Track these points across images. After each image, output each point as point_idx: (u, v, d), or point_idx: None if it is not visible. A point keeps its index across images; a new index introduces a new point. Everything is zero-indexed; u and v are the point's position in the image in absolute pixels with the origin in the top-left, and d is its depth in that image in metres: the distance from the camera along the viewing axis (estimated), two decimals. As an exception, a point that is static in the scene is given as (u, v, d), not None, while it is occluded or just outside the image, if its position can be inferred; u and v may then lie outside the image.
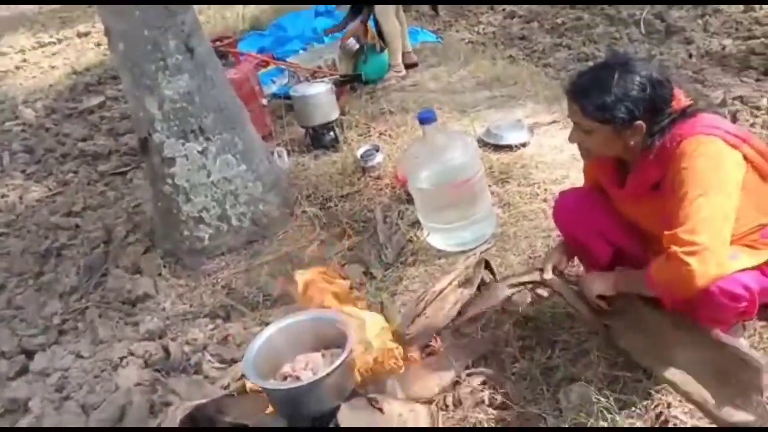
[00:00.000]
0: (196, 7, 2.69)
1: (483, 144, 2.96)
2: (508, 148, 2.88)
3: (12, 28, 8.32)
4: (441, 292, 2.07)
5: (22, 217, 3.61)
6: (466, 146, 2.30)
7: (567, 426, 1.60)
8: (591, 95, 1.50)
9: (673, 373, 1.56)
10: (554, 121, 3.04)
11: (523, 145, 2.87)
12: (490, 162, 2.77)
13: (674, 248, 1.40)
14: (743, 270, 1.49)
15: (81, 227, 3.31)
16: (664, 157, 1.51)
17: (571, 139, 1.63)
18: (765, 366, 1.47)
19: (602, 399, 1.60)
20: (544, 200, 2.47)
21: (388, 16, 3.86)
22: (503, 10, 5.05)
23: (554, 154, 2.75)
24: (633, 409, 1.60)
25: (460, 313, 2.00)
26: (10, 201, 3.85)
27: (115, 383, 2.16)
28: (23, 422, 2.09)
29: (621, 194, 1.70)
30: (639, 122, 1.49)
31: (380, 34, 3.99)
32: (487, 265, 2.11)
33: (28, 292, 2.88)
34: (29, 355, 2.45)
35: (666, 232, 1.43)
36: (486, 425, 1.71)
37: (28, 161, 4.37)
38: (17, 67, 6.80)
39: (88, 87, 5.61)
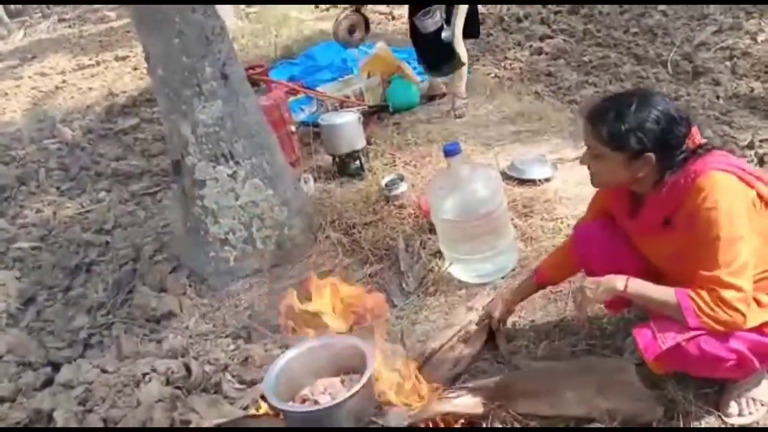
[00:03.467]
0: (230, 35, 2.80)
1: (507, 178, 2.99)
2: (532, 182, 2.91)
3: (53, 51, 8.66)
4: (440, 347, 2.07)
5: (55, 232, 3.71)
6: (489, 179, 2.33)
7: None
8: (606, 120, 1.53)
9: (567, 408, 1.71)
10: (578, 158, 3.03)
11: (547, 180, 2.89)
12: (513, 196, 2.79)
13: (723, 292, 1.42)
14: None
15: (111, 244, 3.39)
16: (678, 192, 1.53)
17: (581, 162, 1.68)
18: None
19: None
20: (567, 235, 2.47)
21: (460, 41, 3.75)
22: (530, 46, 5.12)
23: (578, 189, 2.77)
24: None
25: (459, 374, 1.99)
26: (45, 216, 3.97)
27: (137, 399, 2.20)
28: (47, 433, 2.14)
29: (631, 226, 1.71)
30: (649, 154, 1.51)
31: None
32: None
33: (57, 305, 2.96)
34: (55, 367, 2.51)
35: (704, 273, 1.45)
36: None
37: (63, 178, 4.51)
38: (57, 88, 7.05)
39: (124, 109, 5.79)
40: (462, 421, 1.83)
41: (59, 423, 2.15)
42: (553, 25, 5.43)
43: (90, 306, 2.85)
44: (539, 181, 2.88)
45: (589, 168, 1.67)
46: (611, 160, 1.56)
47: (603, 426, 1.64)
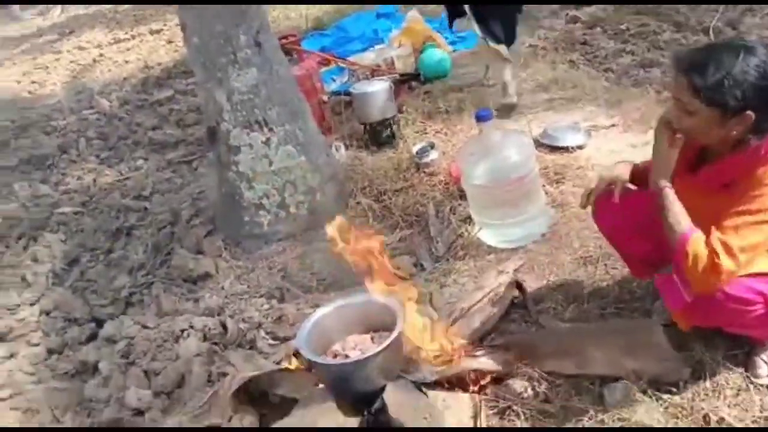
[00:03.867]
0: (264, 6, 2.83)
1: (539, 145, 2.98)
2: (565, 149, 2.89)
3: (90, 26, 8.83)
4: (470, 308, 2.10)
5: (95, 198, 3.84)
6: (521, 145, 2.33)
7: (610, 425, 1.62)
8: (706, 72, 1.36)
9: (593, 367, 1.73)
10: (613, 125, 3.02)
11: (580, 147, 2.87)
12: (545, 163, 2.78)
13: (722, 260, 1.37)
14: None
15: (149, 209, 3.50)
16: (754, 160, 1.42)
17: (668, 116, 1.51)
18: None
19: (646, 398, 1.61)
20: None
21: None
22: (566, 15, 5.01)
23: (611, 157, 2.74)
24: (679, 409, 1.60)
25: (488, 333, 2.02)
26: (85, 183, 4.11)
27: (176, 353, 2.30)
28: (92, 382, 2.25)
29: (689, 180, 1.59)
30: (749, 113, 1.38)
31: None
32: (519, 286, 2.13)
33: (99, 266, 3.08)
34: (99, 323, 2.63)
35: (717, 232, 1.40)
36: (527, 417, 1.74)
37: (102, 147, 4.65)
38: (95, 61, 7.21)
39: (159, 81, 5.89)
40: (488, 377, 1.87)
41: (104, 373, 2.27)
42: (591, -7, 5.28)
43: (131, 267, 2.96)
44: (572, 148, 2.86)
45: (676, 123, 1.49)
46: (706, 116, 1.40)
47: (628, 383, 1.66)
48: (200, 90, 2.80)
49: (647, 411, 1.60)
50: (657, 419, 1.59)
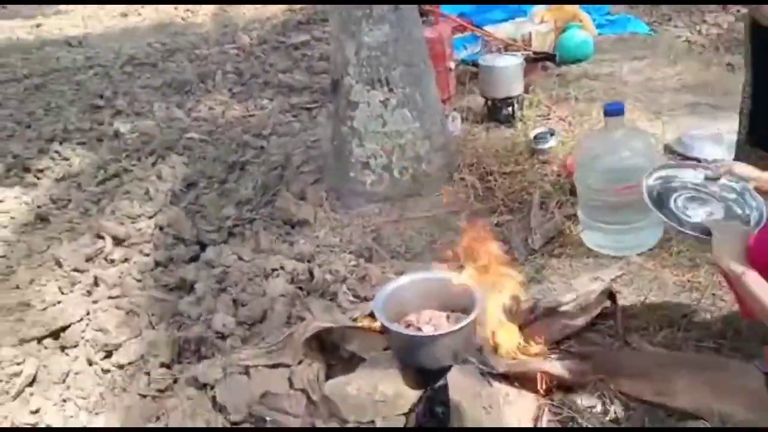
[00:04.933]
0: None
1: (670, 152, 2.74)
2: (698, 161, 2.63)
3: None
4: (555, 309, 1.99)
5: (220, 129, 4.08)
6: (647, 148, 2.16)
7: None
8: None
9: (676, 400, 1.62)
10: (761, 143, 2.70)
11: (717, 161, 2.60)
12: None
13: None
14: None
15: (265, 149, 3.67)
16: None
17: None
18: None
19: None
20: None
21: None
22: (737, 11, 4.50)
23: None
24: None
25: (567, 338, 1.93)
26: (215, 114, 4.37)
27: (264, 289, 2.42)
28: (187, 299, 2.44)
29: None
30: None
31: None
32: (612, 297, 2.00)
33: (212, 194, 3.29)
34: (202, 246, 2.82)
35: None
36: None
37: (235, 82, 4.89)
38: (240, -5, 7.52)
39: (299, 24, 6.06)
40: (558, 383, 1.80)
41: (198, 293, 2.45)
42: (770, -11, 4.69)
43: (239, 200, 3.13)
44: (706, 161, 2.60)
45: None
46: None
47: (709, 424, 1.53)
48: (332, 41, 2.84)
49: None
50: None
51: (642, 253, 2.25)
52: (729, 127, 2.94)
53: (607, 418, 1.68)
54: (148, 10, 7.59)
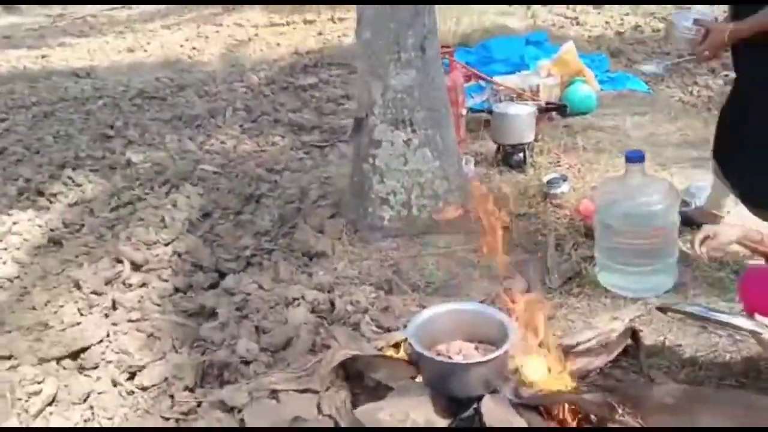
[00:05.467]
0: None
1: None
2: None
3: (250, 6, 9.48)
4: (576, 345, 2.07)
5: (233, 163, 4.15)
6: (668, 194, 2.27)
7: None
8: None
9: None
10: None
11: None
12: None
13: None
14: None
15: (279, 183, 3.74)
16: None
17: None
18: None
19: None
20: (735, 272, 2.35)
21: None
22: (725, 75, 4.78)
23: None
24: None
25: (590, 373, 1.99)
26: (227, 148, 4.45)
27: (286, 317, 2.45)
28: (209, 325, 2.45)
29: None
30: None
31: None
32: (635, 335, 2.07)
33: (228, 225, 3.32)
34: (221, 274, 2.85)
35: None
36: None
37: (245, 119, 5.00)
38: (250, 39, 7.75)
39: (306, 67, 6.25)
40: (586, 416, 1.84)
41: (221, 319, 2.46)
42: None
43: (256, 231, 3.17)
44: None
45: None
46: None
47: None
48: (359, 81, 2.97)
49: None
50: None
51: (658, 296, 2.34)
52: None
53: (635, 451, 1.72)
54: (154, 46, 7.78)
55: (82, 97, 5.73)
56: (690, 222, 2.60)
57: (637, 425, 1.77)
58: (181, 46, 7.68)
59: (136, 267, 2.88)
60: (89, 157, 4.26)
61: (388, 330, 2.34)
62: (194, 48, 7.52)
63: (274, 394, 1.99)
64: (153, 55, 7.48)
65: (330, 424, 1.88)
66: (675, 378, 1.94)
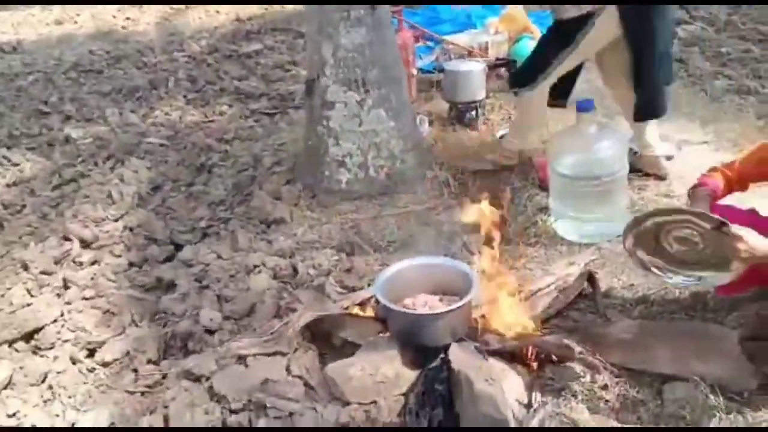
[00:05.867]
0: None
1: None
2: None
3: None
4: (537, 291, 2.15)
5: (180, 134, 4.01)
6: (617, 142, 2.34)
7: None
8: None
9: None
10: (705, 142, 2.99)
11: (668, 158, 2.85)
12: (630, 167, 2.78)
13: None
14: None
15: (230, 152, 3.65)
16: None
17: None
18: None
19: (712, 398, 1.63)
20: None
21: None
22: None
23: (698, 172, 2.71)
24: (740, 416, 1.62)
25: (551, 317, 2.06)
26: (172, 119, 4.30)
27: (248, 285, 2.42)
28: (169, 297, 2.39)
29: None
30: None
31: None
32: (591, 278, 2.15)
33: (180, 197, 3.23)
34: (177, 246, 2.78)
35: None
36: (582, 400, 1.78)
37: (189, 89, 4.82)
38: (187, 7, 7.41)
39: (249, 34, 6.05)
40: (548, 357, 1.91)
41: (180, 290, 2.41)
42: (693, 11, 5.16)
43: (211, 201, 3.10)
44: (660, 158, 2.84)
45: None
46: None
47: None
48: (309, 42, 2.90)
49: (707, 413, 1.62)
50: (715, 422, 1.61)
51: (610, 240, 2.42)
52: (675, 128, 3.23)
53: (596, 386, 1.81)
54: (85, 17, 7.35)
55: (10, 72, 5.39)
56: (634, 169, 2.70)
57: (597, 361, 1.85)
58: (114, 16, 7.27)
59: (85, 244, 2.77)
60: (24, 135, 4.05)
61: (353, 290, 2.35)
62: (128, 18, 7.14)
63: (241, 359, 1.98)
64: (84, 26, 7.07)
65: (300, 385, 1.89)
66: (629, 315, 2.03)
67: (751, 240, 1.60)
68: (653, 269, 1.86)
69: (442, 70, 3.60)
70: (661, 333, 1.86)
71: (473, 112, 3.42)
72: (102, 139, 3.91)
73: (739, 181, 1.89)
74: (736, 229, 1.62)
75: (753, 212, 1.89)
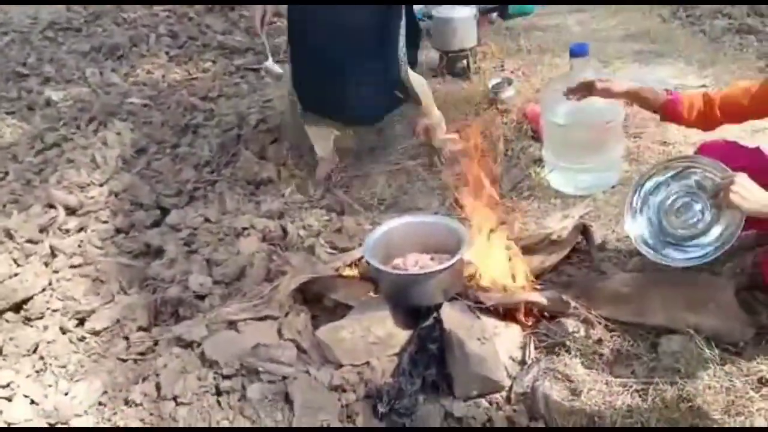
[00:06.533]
0: None
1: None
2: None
3: None
4: (531, 246, 2.09)
5: (164, 93, 3.90)
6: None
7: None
8: None
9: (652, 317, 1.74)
10: (703, 86, 2.90)
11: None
12: (626, 115, 2.69)
13: None
14: None
15: (215, 111, 3.55)
16: None
17: None
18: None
19: (706, 350, 1.62)
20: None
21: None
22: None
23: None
24: (735, 367, 1.61)
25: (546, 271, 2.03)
26: (154, 78, 4.17)
27: (237, 248, 2.38)
28: (158, 263, 2.36)
29: None
30: None
31: None
32: (585, 231, 2.10)
33: (165, 159, 3.15)
34: (164, 210, 2.72)
35: None
36: (576, 355, 1.77)
37: (171, 45, 4.66)
38: (166, -42, 7.12)
39: (231, -15, 5.81)
40: (542, 312, 1.89)
41: (169, 255, 2.37)
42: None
43: (197, 163, 3.03)
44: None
45: None
46: None
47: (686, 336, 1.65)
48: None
49: (702, 365, 1.61)
50: (710, 374, 1.60)
51: (605, 191, 2.37)
52: (672, 72, 3.13)
53: (591, 341, 1.79)
54: (60, -27, 7.06)
55: (-16, 33, 5.20)
56: None
57: (592, 316, 1.83)
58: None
59: (71, 211, 2.72)
60: (3, 99, 3.92)
61: (344, 250, 2.31)
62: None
63: (232, 324, 1.96)
64: (60, -19, 6.80)
65: (292, 348, 1.87)
66: (624, 268, 2.00)
67: (743, 190, 1.49)
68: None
69: (430, 17, 3.46)
70: (655, 285, 1.83)
71: (464, 61, 3.30)
72: (83, 101, 3.80)
73: (721, 106, 1.75)
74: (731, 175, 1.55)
75: (758, 151, 1.81)
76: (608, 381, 1.66)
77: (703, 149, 1.85)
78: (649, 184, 1.84)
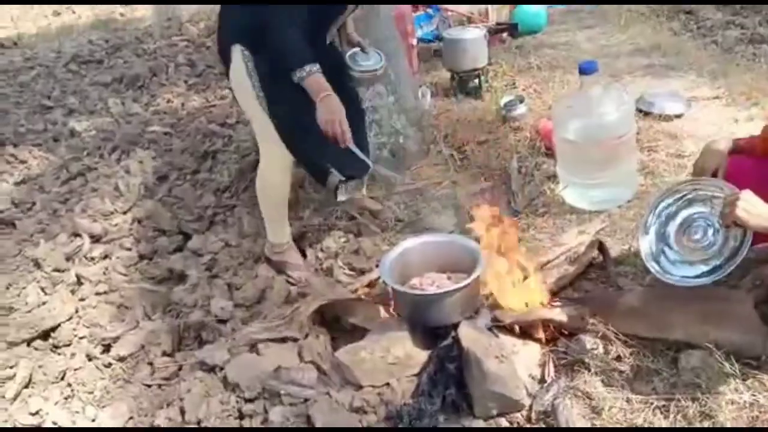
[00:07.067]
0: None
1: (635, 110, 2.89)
2: (661, 117, 2.79)
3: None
4: (547, 263, 2.12)
5: (183, 121, 4.00)
6: (623, 104, 2.27)
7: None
8: None
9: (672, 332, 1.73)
10: (716, 97, 2.89)
11: (678, 116, 2.76)
12: (639, 128, 2.71)
13: None
14: None
15: (233, 137, 3.63)
16: None
17: None
18: None
19: (726, 365, 1.60)
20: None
21: None
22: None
23: (710, 129, 2.63)
24: (757, 382, 1.59)
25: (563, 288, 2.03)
26: (174, 106, 4.28)
27: (256, 272, 2.42)
28: (181, 288, 2.41)
29: None
30: None
31: None
32: (601, 247, 2.10)
33: (186, 185, 3.23)
34: (186, 236, 2.79)
35: None
36: (596, 372, 1.76)
37: (189, 74, 4.80)
38: (184, -9, 7.33)
39: (248, 13, 5.95)
40: (560, 330, 1.89)
41: (192, 281, 2.43)
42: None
43: (216, 188, 3.10)
44: (668, 116, 2.76)
45: None
46: None
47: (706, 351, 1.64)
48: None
49: (723, 380, 1.60)
50: (733, 389, 1.58)
51: (620, 206, 2.37)
52: (684, 85, 3.13)
53: (610, 357, 1.78)
54: (83, 7, 7.31)
55: (12, 68, 5.40)
56: None
57: (610, 332, 1.82)
58: (111, 4, 7.22)
59: (96, 239, 2.80)
60: (30, 132, 4.05)
61: (362, 272, 2.34)
62: (125, 4, 7.10)
63: (253, 347, 1.99)
64: (82, 16, 7.05)
65: (313, 371, 1.89)
66: (641, 283, 1.99)
67: (748, 206, 1.49)
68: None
69: (441, 39, 3.51)
70: (673, 299, 1.82)
71: (476, 81, 3.34)
72: (106, 130, 3.91)
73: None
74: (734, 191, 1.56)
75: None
76: (629, 398, 1.65)
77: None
78: (660, 206, 1.86)
